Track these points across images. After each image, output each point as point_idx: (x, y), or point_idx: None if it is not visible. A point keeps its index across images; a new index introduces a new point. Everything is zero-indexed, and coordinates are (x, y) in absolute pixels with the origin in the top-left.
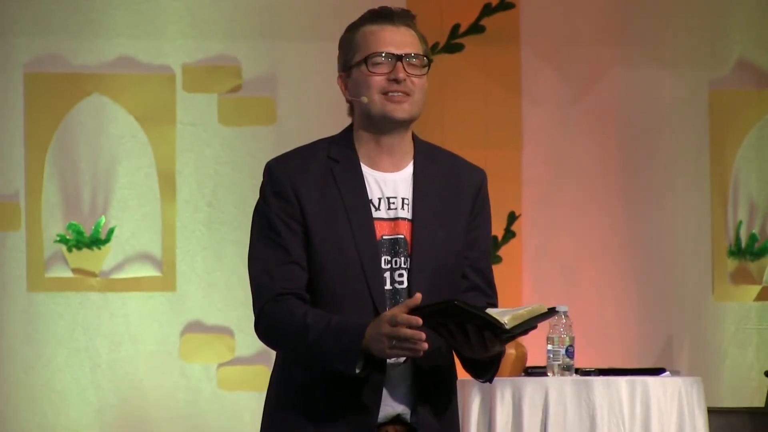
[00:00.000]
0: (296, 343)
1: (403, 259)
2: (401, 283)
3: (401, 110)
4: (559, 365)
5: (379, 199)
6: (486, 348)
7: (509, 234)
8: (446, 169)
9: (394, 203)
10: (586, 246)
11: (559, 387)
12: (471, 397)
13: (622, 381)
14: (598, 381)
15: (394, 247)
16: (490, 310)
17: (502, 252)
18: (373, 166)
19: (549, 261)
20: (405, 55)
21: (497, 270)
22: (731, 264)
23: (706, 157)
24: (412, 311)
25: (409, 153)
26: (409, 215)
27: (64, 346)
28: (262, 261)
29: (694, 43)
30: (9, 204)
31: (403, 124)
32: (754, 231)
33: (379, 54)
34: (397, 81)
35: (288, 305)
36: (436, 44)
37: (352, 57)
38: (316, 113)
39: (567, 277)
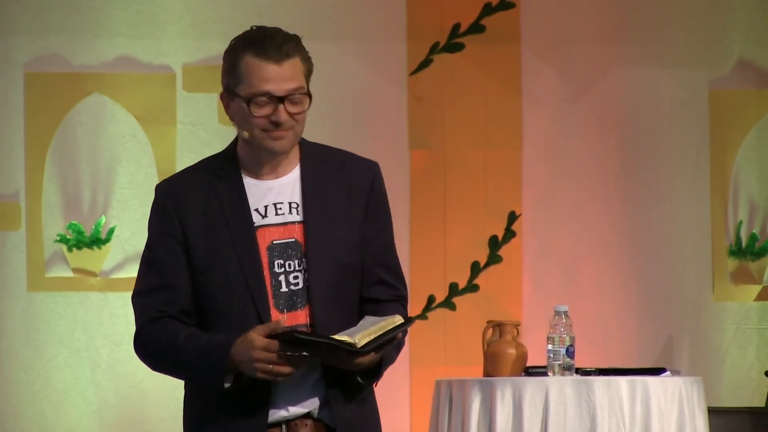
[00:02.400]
0: (170, 363)
1: (297, 261)
2: (297, 284)
3: (282, 146)
4: (559, 365)
5: (266, 206)
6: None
7: (509, 234)
8: (336, 167)
9: (281, 208)
10: (586, 246)
11: (560, 387)
12: (471, 397)
13: (623, 381)
14: (599, 381)
15: (286, 250)
16: (341, 334)
17: (502, 252)
18: (257, 176)
19: (549, 261)
20: (287, 95)
21: (497, 270)
22: (731, 264)
23: (706, 157)
24: (273, 335)
25: (294, 158)
26: (299, 218)
27: (64, 346)
28: (141, 284)
29: (694, 42)
30: (9, 204)
31: (285, 153)
32: (754, 231)
33: (261, 95)
34: (278, 123)
35: (162, 326)
36: (437, 44)
37: (234, 85)
38: (316, 113)
39: (567, 277)
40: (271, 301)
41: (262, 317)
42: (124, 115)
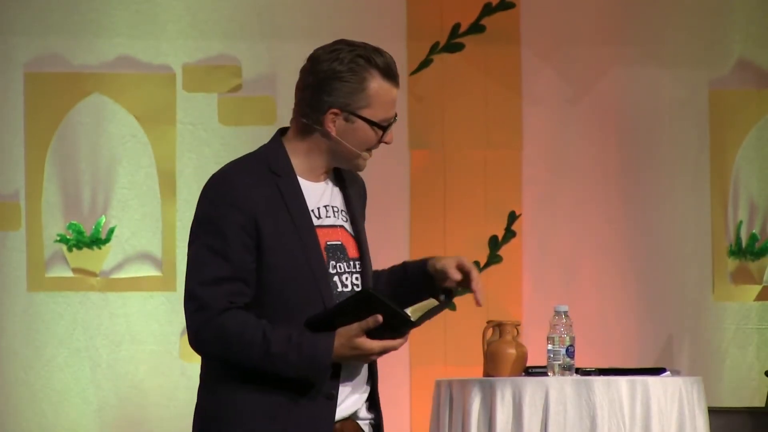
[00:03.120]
0: (252, 355)
1: (345, 264)
2: (347, 286)
3: (364, 166)
4: (559, 365)
5: (318, 208)
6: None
7: (509, 234)
8: (350, 179)
9: (329, 211)
10: (586, 246)
11: (560, 387)
12: (471, 397)
13: (623, 381)
14: (599, 381)
15: (336, 252)
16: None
17: (502, 252)
18: (306, 177)
19: (549, 261)
20: (395, 119)
21: (497, 270)
22: (731, 264)
23: (706, 157)
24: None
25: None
26: (341, 222)
27: (64, 346)
28: (208, 272)
29: (694, 42)
30: (9, 204)
31: None
32: (754, 231)
33: (392, 120)
34: (382, 143)
35: (240, 315)
36: (437, 44)
37: (360, 105)
38: None
39: (567, 276)
40: (332, 301)
41: None
42: (124, 115)
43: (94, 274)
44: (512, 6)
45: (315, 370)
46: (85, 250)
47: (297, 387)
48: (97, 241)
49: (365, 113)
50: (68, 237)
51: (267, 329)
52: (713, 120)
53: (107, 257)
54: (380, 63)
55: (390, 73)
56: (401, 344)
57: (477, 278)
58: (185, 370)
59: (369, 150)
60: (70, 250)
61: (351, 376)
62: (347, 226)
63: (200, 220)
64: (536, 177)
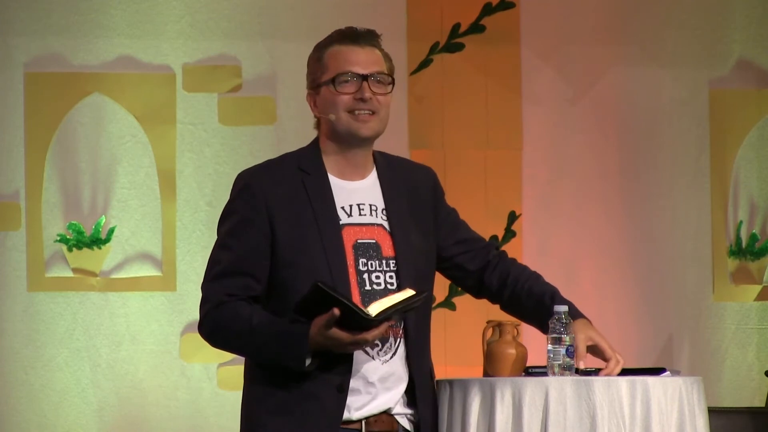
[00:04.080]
0: (242, 344)
1: (377, 262)
2: (379, 285)
3: (367, 128)
4: (559, 365)
5: (350, 206)
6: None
7: (509, 234)
8: (403, 174)
9: (364, 209)
10: (586, 246)
11: (560, 387)
12: (471, 397)
13: (623, 381)
14: (599, 381)
15: (368, 250)
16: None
17: None
18: (341, 176)
19: (549, 261)
20: (370, 74)
21: None
22: (731, 264)
23: (706, 157)
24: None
25: (371, 163)
26: (378, 220)
27: (64, 346)
28: (214, 270)
29: (694, 42)
30: (9, 204)
31: (369, 141)
32: (754, 231)
33: (346, 74)
34: (363, 100)
35: (232, 307)
36: (437, 44)
37: (320, 76)
38: None
39: (567, 277)
40: (357, 299)
41: None
42: (124, 115)
43: (94, 274)
44: (512, 6)
45: (292, 357)
46: (85, 250)
47: (309, 381)
48: (97, 241)
49: (324, 79)
50: (68, 237)
51: (254, 320)
52: (713, 120)
53: (107, 257)
54: (337, 35)
55: (345, 36)
56: (376, 336)
57: (612, 366)
58: (185, 370)
59: (352, 111)
60: (70, 250)
61: (368, 374)
62: (386, 224)
63: (221, 216)
64: (536, 177)
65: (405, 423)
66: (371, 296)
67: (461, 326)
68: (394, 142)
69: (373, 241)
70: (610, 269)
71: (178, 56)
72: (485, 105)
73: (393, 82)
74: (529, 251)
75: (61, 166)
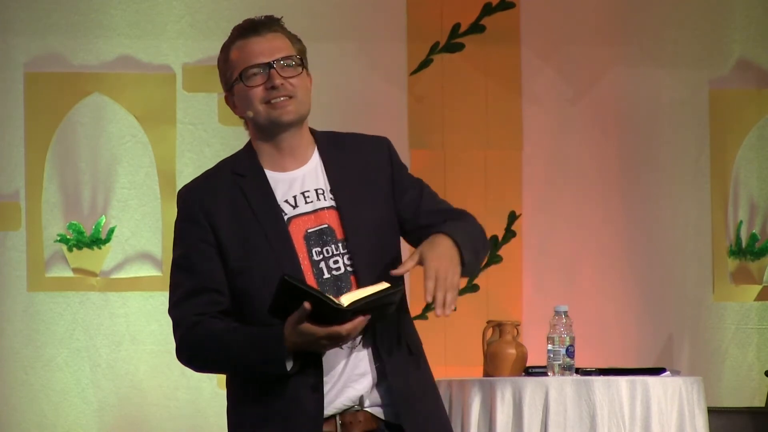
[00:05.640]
0: (222, 360)
1: (333, 246)
2: (338, 269)
3: (287, 113)
4: (559, 365)
5: (294, 196)
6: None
7: (509, 234)
8: (353, 149)
9: (309, 196)
10: (586, 246)
11: (560, 387)
12: (471, 397)
13: (623, 381)
14: (599, 381)
15: (321, 237)
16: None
17: (502, 252)
18: (278, 168)
19: (549, 261)
20: (275, 61)
21: (497, 270)
22: (731, 264)
23: (706, 157)
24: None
25: (310, 146)
26: (328, 203)
27: (64, 346)
28: (177, 294)
29: (694, 43)
30: (9, 204)
31: (294, 125)
32: (754, 231)
33: (251, 67)
34: (274, 88)
35: (205, 326)
36: (437, 44)
37: (230, 75)
38: (316, 113)
39: (567, 277)
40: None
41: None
42: (124, 115)
43: (94, 274)
44: (512, 6)
45: (272, 362)
46: (85, 250)
47: (285, 385)
48: (97, 241)
49: (234, 78)
50: (68, 237)
51: (227, 334)
52: (713, 120)
53: (107, 257)
54: (236, 30)
55: (245, 29)
56: (351, 330)
57: (431, 290)
58: (185, 370)
59: (267, 102)
60: (70, 250)
61: (333, 366)
62: (335, 205)
63: (173, 239)
64: (536, 177)
65: (380, 413)
66: (332, 284)
67: (461, 326)
68: (394, 142)
69: (326, 226)
70: (610, 269)
71: (178, 56)
72: (485, 105)
73: (302, 63)
74: (529, 251)
75: (61, 166)
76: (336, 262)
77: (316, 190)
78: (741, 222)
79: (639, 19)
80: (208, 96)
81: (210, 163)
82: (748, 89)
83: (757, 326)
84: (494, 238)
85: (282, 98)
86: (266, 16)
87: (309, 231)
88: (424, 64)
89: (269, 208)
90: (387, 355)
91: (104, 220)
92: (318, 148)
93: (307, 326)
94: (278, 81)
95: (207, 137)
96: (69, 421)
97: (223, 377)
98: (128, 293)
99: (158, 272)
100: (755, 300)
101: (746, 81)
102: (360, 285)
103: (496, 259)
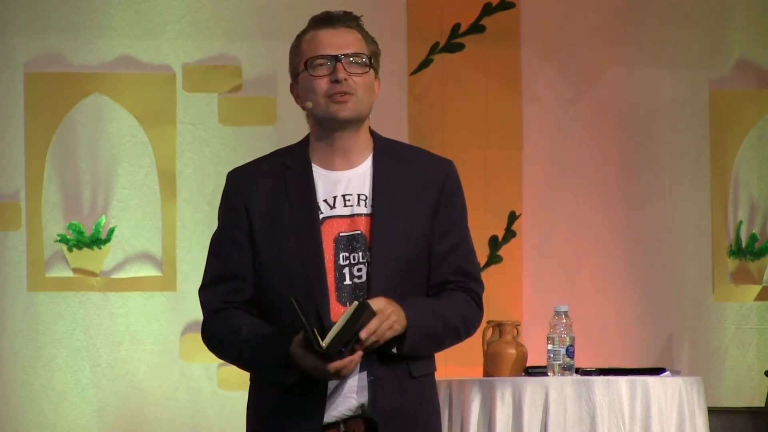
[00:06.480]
0: (235, 357)
1: (361, 254)
2: (360, 277)
3: (345, 110)
4: (559, 365)
5: (334, 197)
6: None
7: (509, 234)
8: (409, 163)
9: (350, 200)
10: (586, 246)
11: (560, 387)
12: (471, 397)
13: (623, 381)
14: (599, 381)
15: (351, 243)
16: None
17: (502, 252)
18: (327, 166)
19: (549, 261)
20: (343, 55)
21: (497, 270)
22: (731, 264)
23: (706, 157)
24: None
25: (366, 150)
26: (366, 210)
27: (64, 346)
28: (207, 276)
29: (694, 43)
30: (9, 204)
31: (351, 123)
32: (754, 231)
33: (318, 57)
34: (337, 81)
35: (225, 318)
36: (437, 44)
37: (297, 64)
38: None
39: (567, 277)
40: (334, 295)
41: (321, 311)
42: (124, 115)
43: (94, 274)
44: (512, 6)
45: (276, 373)
46: (85, 250)
47: (290, 391)
48: (97, 241)
49: (300, 66)
50: (68, 237)
51: (244, 332)
52: (713, 120)
53: (107, 257)
54: (312, 20)
55: (320, 20)
56: (339, 368)
57: (370, 330)
58: (185, 370)
59: (329, 95)
60: (70, 250)
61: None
62: (378, 215)
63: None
64: (536, 177)
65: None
66: (350, 291)
67: None
68: None
69: (358, 232)
70: (610, 269)
71: (178, 56)
72: (485, 105)
73: (371, 65)
74: (529, 251)
75: (61, 166)
76: (360, 270)
77: (358, 195)
78: (741, 222)
79: (639, 19)
80: (208, 96)
81: (210, 163)
82: (748, 89)
83: (757, 326)
84: (494, 238)
85: (343, 94)
86: (344, 11)
87: (341, 234)
88: (424, 64)
89: (306, 205)
90: (382, 374)
91: (104, 220)
92: (374, 154)
93: (301, 356)
94: (342, 75)
95: (207, 137)
96: (69, 421)
97: (224, 377)
98: (128, 293)
99: (158, 272)
100: (755, 300)
101: (746, 81)
102: (372, 295)
103: (496, 259)
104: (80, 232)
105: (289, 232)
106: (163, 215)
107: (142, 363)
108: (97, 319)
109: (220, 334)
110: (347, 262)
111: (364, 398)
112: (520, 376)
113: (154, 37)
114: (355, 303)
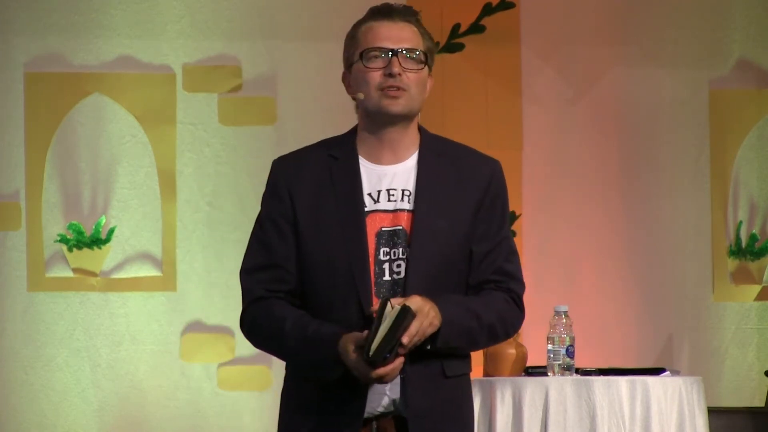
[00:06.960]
0: (277, 348)
1: (401, 250)
2: (399, 273)
3: (396, 105)
4: (559, 365)
5: (379, 191)
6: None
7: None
8: (455, 161)
9: (394, 195)
10: (586, 246)
11: (560, 387)
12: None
13: (623, 381)
14: (599, 381)
15: (393, 238)
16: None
17: None
18: (374, 160)
19: (549, 261)
20: (400, 49)
21: None
22: (731, 264)
23: (706, 157)
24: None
25: (413, 146)
26: (409, 206)
27: (64, 346)
28: (249, 261)
29: (694, 43)
30: (9, 204)
31: (401, 119)
32: (754, 231)
33: (374, 49)
34: (391, 75)
35: (268, 308)
36: (437, 44)
37: (352, 53)
38: (316, 113)
39: (567, 277)
40: (373, 289)
41: (363, 304)
42: (124, 115)
43: (94, 274)
44: (512, 6)
45: (322, 369)
46: (85, 250)
47: (331, 385)
48: (97, 241)
49: (355, 56)
50: (68, 237)
51: (288, 324)
52: (713, 120)
53: (107, 257)
54: (371, 11)
55: (379, 12)
56: (382, 375)
57: (411, 336)
58: (185, 370)
59: (384, 89)
60: (70, 250)
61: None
62: (420, 211)
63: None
64: (536, 177)
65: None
66: (389, 286)
67: None
68: None
69: (400, 228)
70: (610, 269)
71: (178, 56)
72: (485, 105)
73: (427, 61)
74: (529, 251)
75: (61, 166)
76: (399, 266)
77: (403, 191)
78: (741, 222)
79: (639, 19)
80: (208, 96)
81: (210, 163)
82: (748, 89)
83: (757, 326)
84: None
85: (395, 88)
86: (405, 6)
87: (383, 229)
88: None
89: (352, 198)
90: (415, 371)
91: (104, 220)
92: (419, 150)
93: (347, 352)
94: (396, 69)
95: (207, 137)
96: (69, 421)
97: (224, 377)
98: (128, 293)
99: (158, 272)
100: (755, 300)
101: (746, 81)
102: (408, 292)
103: None
104: (80, 232)
105: (334, 224)
106: (163, 215)
107: (142, 363)
108: (97, 319)
109: (262, 324)
110: (387, 257)
111: (396, 395)
112: (520, 376)
113: (154, 37)
114: (397, 308)
